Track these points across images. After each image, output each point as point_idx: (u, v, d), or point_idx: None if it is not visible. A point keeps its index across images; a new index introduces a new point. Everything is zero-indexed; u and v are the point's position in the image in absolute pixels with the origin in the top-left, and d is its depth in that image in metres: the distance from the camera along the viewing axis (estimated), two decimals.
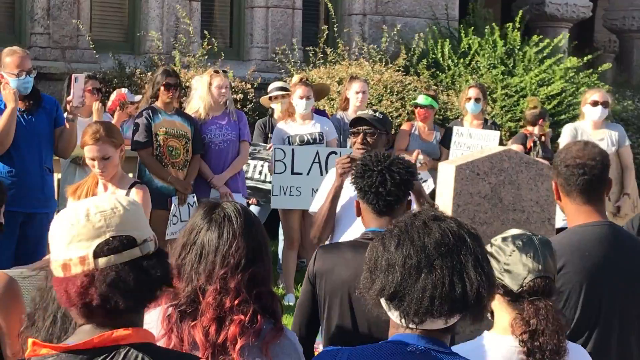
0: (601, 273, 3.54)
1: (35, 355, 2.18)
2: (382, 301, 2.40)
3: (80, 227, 2.18)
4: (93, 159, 5.47)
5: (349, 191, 4.97)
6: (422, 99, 9.48)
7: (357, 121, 5.35)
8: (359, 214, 3.98)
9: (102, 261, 2.16)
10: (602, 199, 3.74)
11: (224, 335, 2.78)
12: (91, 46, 10.68)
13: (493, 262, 3.05)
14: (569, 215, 3.73)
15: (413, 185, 3.99)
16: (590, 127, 8.86)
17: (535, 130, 9.38)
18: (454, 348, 3.09)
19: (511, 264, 3.03)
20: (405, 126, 9.63)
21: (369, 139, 5.23)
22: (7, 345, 3.39)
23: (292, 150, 8.30)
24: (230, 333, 2.77)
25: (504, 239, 3.09)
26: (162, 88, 7.82)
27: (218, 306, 2.79)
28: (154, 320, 2.86)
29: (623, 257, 3.62)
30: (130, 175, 7.85)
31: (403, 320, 2.38)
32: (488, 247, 3.09)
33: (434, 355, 2.38)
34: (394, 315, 2.41)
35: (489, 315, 3.15)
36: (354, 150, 5.25)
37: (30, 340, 2.21)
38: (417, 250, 2.37)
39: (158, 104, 7.89)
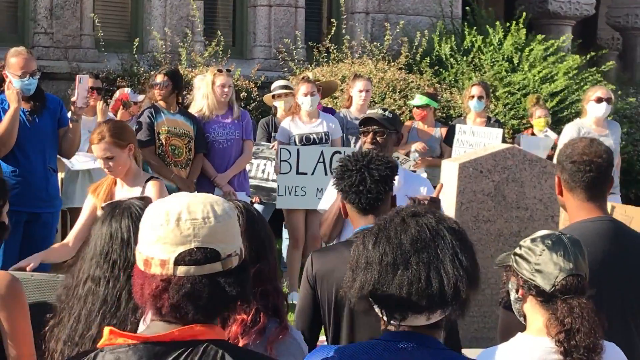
0: (603, 268, 3.53)
1: (111, 344, 2.17)
2: (368, 298, 2.42)
3: (169, 230, 2.17)
4: (99, 157, 5.51)
5: None
6: (417, 100, 9.48)
7: (367, 121, 5.32)
8: (346, 215, 4.01)
9: (181, 270, 2.15)
10: (604, 196, 3.74)
11: (227, 334, 2.77)
12: (102, 44, 10.69)
13: (523, 264, 3.04)
14: (570, 211, 3.73)
15: (393, 182, 3.98)
16: (593, 124, 8.85)
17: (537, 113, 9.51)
18: (486, 351, 3.10)
19: (542, 263, 3.01)
20: (404, 126, 9.64)
21: (378, 139, 5.21)
22: (10, 347, 3.39)
23: (298, 150, 8.33)
24: (232, 333, 2.77)
25: (533, 240, 3.07)
26: (152, 87, 7.87)
27: None
28: None
29: (624, 253, 3.62)
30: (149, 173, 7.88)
31: (385, 317, 2.39)
32: (517, 249, 3.08)
33: (424, 351, 2.38)
34: (377, 312, 2.43)
35: (521, 318, 3.15)
36: (363, 149, 5.21)
37: (107, 329, 2.21)
38: (393, 248, 2.39)
39: (161, 103, 7.91)
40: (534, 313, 3.05)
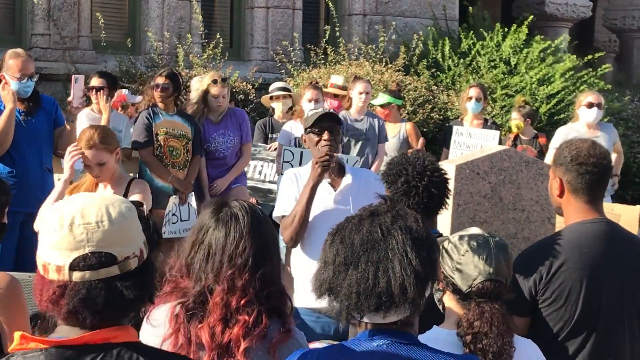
0: (601, 269, 3.55)
1: (23, 349, 2.16)
2: (326, 298, 2.45)
3: (62, 235, 2.15)
4: (89, 166, 5.51)
5: (322, 196, 4.89)
6: (379, 99, 9.44)
7: (322, 119, 5.02)
8: None
9: (76, 275, 2.13)
10: (602, 197, 3.75)
11: (229, 336, 2.77)
12: (104, 45, 10.69)
13: (447, 259, 3.11)
14: (568, 212, 3.72)
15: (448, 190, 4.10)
16: (585, 128, 8.87)
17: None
18: None
19: (463, 263, 3.07)
20: None
21: (335, 136, 5.01)
22: (9, 346, 3.40)
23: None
24: (234, 335, 2.76)
25: (461, 237, 3.13)
26: (153, 88, 7.85)
27: (225, 306, 2.78)
28: (162, 317, 2.86)
29: (621, 254, 3.63)
30: (131, 174, 7.88)
31: (344, 315, 2.41)
32: (445, 244, 3.14)
33: (400, 348, 2.39)
34: (332, 314, 2.46)
35: (440, 307, 3.20)
36: (321, 148, 4.92)
37: (18, 333, 2.19)
38: (345, 247, 2.41)
39: (160, 104, 7.91)
40: (451, 307, 3.12)
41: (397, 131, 9.40)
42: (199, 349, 2.78)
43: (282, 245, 8.38)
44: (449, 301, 3.12)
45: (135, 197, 5.39)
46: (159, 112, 7.85)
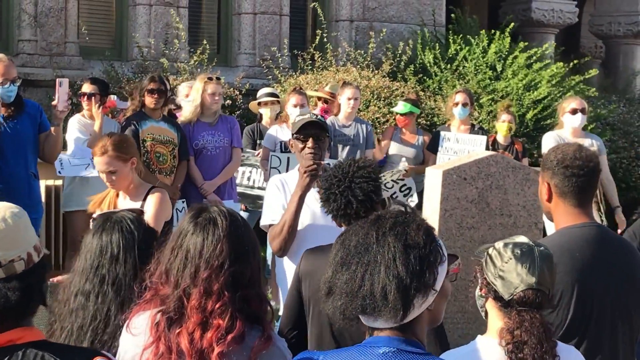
0: (592, 273, 3.56)
1: None
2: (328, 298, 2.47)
3: None
4: (102, 172, 5.49)
5: (310, 204, 4.79)
6: (401, 107, 9.52)
7: (307, 125, 4.92)
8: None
9: None
10: (591, 201, 3.75)
11: (204, 342, 2.76)
12: (87, 50, 10.67)
13: (490, 266, 3.08)
14: (557, 217, 3.73)
15: (380, 190, 3.98)
16: (570, 135, 8.87)
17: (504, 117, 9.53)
18: (449, 353, 3.13)
19: (506, 271, 3.05)
20: (388, 131, 9.69)
21: (320, 144, 4.91)
22: None
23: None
24: (207, 339, 2.73)
25: (506, 245, 3.11)
26: (146, 93, 7.83)
27: (202, 310, 2.76)
28: (142, 325, 2.84)
29: (612, 257, 3.64)
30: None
31: (341, 317, 2.43)
32: (490, 250, 3.12)
33: (406, 355, 2.39)
34: (330, 312, 2.47)
35: (483, 314, 3.20)
36: (305, 156, 4.84)
37: None
38: (343, 249, 2.46)
39: (145, 110, 7.90)
40: (494, 315, 3.11)
41: (414, 140, 9.48)
42: (179, 357, 2.77)
43: (270, 251, 8.37)
44: (491, 308, 3.11)
45: (148, 205, 5.39)
46: (146, 118, 7.85)
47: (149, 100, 7.83)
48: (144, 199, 5.47)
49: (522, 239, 3.15)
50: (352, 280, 2.39)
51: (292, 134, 4.98)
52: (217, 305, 2.74)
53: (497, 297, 3.07)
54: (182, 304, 2.79)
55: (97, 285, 3.27)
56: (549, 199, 3.72)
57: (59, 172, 7.79)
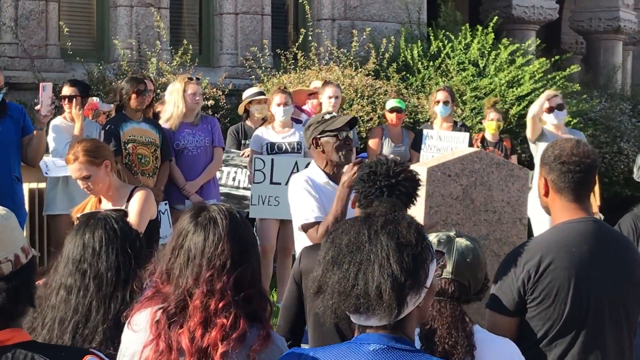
0: (588, 268, 3.57)
1: None
2: (318, 295, 2.47)
3: None
4: (76, 178, 5.45)
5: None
6: (397, 102, 9.56)
7: (352, 122, 5.11)
8: (353, 206, 4.00)
9: None
10: (589, 196, 3.76)
11: (208, 339, 2.77)
12: (70, 53, 10.62)
13: None
14: (555, 211, 3.73)
15: (417, 197, 3.98)
16: (554, 131, 8.88)
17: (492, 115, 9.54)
18: None
19: None
20: (376, 130, 9.71)
21: (350, 145, 5.11)
22: None
23: (272, 160, 8.34)
24: (212, 338, 2.75)
25: (429, 236, 3.14)
26: (133, 95, 7.79)
27: (204, 309, 2.77)
28: (143, 322, 2.86)
29: (609, 252, 3.65)
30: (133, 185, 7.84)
31: (330, 315, 2.43)
32: None
33: (396, 353, 2.40)
34: (320, 310, 2.47)
35: None
36: (340, 156, 5.02)
37: None
38: (334, 247, 2.45)
39: (126, 112, 7.88)
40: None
41: (402, 139, 9.53)
42: (180, 355, 2.78)
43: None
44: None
45: (132, 205, 5.36)
46: (127, 119, 7.83)
47: (137, 102, 7.80)
48: (128, 200, 5.44)
49: (444, 232, 3.18)
50: (345, 280, 2.39)
51: (322, 131, 5.02)
52: (220, 305, 2.76)
53: None
54: (184, 303, 2.81)
55: (79, 279, 3.29)
56: (546, 194, 3.74)
57: (46, 173, 7.76)
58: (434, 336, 3.01)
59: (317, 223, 4.89)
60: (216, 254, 2.80)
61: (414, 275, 2.40)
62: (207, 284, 2.78)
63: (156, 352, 2.78)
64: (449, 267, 3.06)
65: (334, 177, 5.07)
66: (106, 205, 5.43)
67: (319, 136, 5.04)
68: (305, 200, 4.97)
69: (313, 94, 9.43)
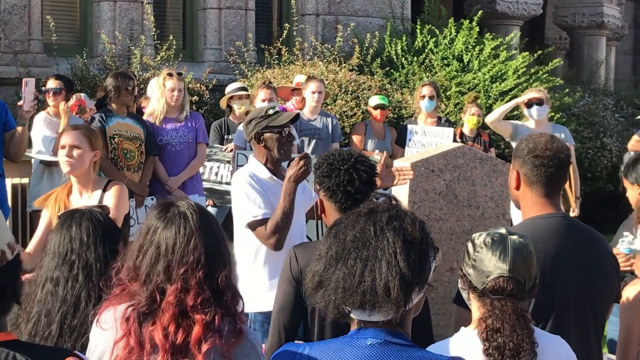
0: (554, 264, 3.57)
1: None
2: (317, 291, 2.46)
3: None
4: (64, 147, 5.31)
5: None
6: (380, 98, 9.57)
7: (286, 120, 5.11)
8: (322, 212, 4.01)
9: None
10: (559, 192, 3.76)
11: (183, 335, 2.75)
12: (55, 47, 10.58)
13: (465, 256, 3.09)
14: (525, 206, 3.74)
15: (376, 182, 4.02)
16: (534, 127, 8.89)
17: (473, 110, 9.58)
18: (435, 346, 3.13)
19: (477, 260, 3.05)
20: (359, 126, 9.71)
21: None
22: None
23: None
24: (194, 334, 2.72)
25: (481, 234, 3.11)
26: (124, 91, 7.76)
27: (179, 305, 2.74)
28: (111, 320, 2.84)
29: (577, 248, 3.65)
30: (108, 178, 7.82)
31: (332, 310, 2.42)
32: (469, 241, 3.14)
33: (393, 348, 2.40)
34: (321, 305, 2.46)
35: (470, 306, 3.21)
36: (281, 153, 5.05)
37: None
38: (338, 242, 2.43)
39: (111, 107, 7.85)
40: (474, 306, 3.11)
41: (384, 135, 9.55)
42: (153, 352, 2.76)
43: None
44: (472, 299, 3.10)
45: (108, 198, 5.30)
46: (112, 114, 7.80)
47: (128, 99, 7.80)
48: (103, 193, 5.38)
49: (496, 229, 3.15)
50: (351, 276, 2.38)
51: (266, 126, 5.02)
52: (199, 300, 2.74)
53: (472, 287, 3.08)
54: (153, 299, 2.78)
55: (67, 271, 3.27)
56: (517, 187, 3.74)
57: (36, 156, 7.76)
58: (497, 335, 2.97)
59: (265, 220, 4.85)
60: (189, 249, 2.77)
61: (420, 272, 2.41)
62: (181, 280, 2.76)
63: (126, 350, 2.75)
64: (506, 265, 3.02)
65: (274, 172, 5.08)
66: (75, 196, 5.34)
67: (261, 131, 5.03)
68: (251, 196, 4.94)
69: (296, 90, 9.42)
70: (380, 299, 2.36)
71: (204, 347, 2.71)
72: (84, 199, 5.30)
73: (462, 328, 3.14)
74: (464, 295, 3.17)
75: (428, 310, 3.90)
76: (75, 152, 5.26)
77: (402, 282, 2.36)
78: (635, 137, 10.10)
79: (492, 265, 3.03)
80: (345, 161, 3.93)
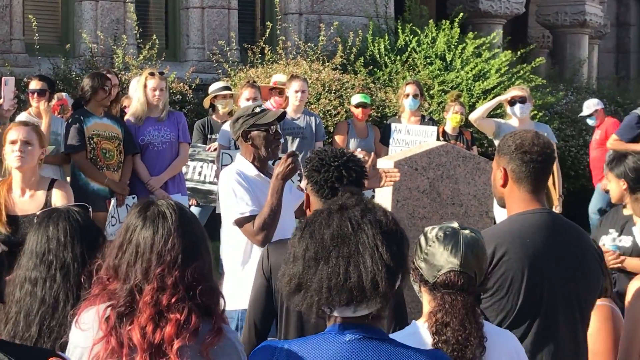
0: (542, 260, 3.58)
1: None
2: (297, 292, 2.44)
3: None
4: (14, 142, 5.28)
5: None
6: (362, 97, 9.58)
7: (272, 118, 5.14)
8: (307, 206, 4.01)
9: None
10: (544, 188, 3.78)
11: (161, 335, 2.74)
12: (37, 47, 10.52)
13: (417, 250, 3.11)
14: (511, 202, 3.75)
15: (364, 184, 4.03)
16: (518, 125, 8.91)
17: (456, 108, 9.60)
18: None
19: (429, 254, 3.07)
20: (342, 125, 9.71)
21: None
22: None
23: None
24: (167, 333, 2.71)
25: (434, 228, 3.13)
26: (101, 92, 7.75)
27: (155, 304, 2.73)
28: (91, 320, 2.82)
29: (563, 244, 3.67)
30: (69, 178, 7.78)
31: (314, 310, 2.41)
32: (421, 235, 3.15)
33: (371, 343, 2.41)
34: (301, 309, 2.45)
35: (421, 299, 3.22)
36: (268, 151, 5.08)
37: None
38: (315, 242, 2.42)
39: (88, 107, 7.83)
40: (426, 299, 3.12)
41: (366, 134, 9.55)
42: (132, 352, 2.75)
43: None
44: (423, 293, 3.11)
45: (58, 199, 5.28)
46: (90, 114, 7.79)
47: (105, 99, 7.78)
48: (48, 191, 5.34)
49: (448, 223, 3.17)
50: (336, 274, 2.37)
51: (253, 124, 5.03)
52: (173, 300, 2.73)
53: (424, 281, 3.09)
54: (132, 298, 2.77)
55: (44, 271, 3.25)
56: (505, 184, 3.74)
57: None
58: (446, 330, 2.98)
59: (253, 217, 4.87)
60: (166, 249, 2.77)
61: (402, 261, 2.43)
62: (158, 279, 2.75)
63: (107, 350, 2.74)
64: (457, 260, 3.03)
65: (262, 170, 5.09)
66: (17, 193, 5.31)
67: (248, 129, 5.04)
68: (239, 194, 4.95)
69: (274, 89, 9.39)
70: (368, 293, 2.37)
71: (175, 345, 2.70)
72: (26, 196, 5.29)
73: (414, 321, 3.16)
74: (415, 287, 3.18)
75: (402, 296, 3.91)
76: (27, 148, 5.26)
77: (389, 274, 2.38)
78: (614, 137, 10.17)
79: (444, 259, 3.05)
80: (337, 158, 3.93)
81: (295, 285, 2.43)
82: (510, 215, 3.74)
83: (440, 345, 2.97)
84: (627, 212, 5.65)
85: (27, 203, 5.29)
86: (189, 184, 8.69)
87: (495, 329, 3.20)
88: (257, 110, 5.11)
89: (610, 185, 5.64)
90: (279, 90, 9.31)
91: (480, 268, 3.10)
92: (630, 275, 5.40)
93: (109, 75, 8.13)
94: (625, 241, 5.55)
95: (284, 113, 5.33)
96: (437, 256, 3.05)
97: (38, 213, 3.58)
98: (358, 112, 9.55)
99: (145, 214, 2.83)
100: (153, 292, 2.74)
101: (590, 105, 11.40)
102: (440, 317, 2.99)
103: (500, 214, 8.24)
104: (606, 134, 11.01)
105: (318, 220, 2.46)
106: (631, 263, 5.46)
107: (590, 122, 11.44)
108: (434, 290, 3.06)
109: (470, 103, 11.32)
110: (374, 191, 8.06)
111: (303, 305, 2.44)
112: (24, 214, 5.25)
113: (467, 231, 3.11)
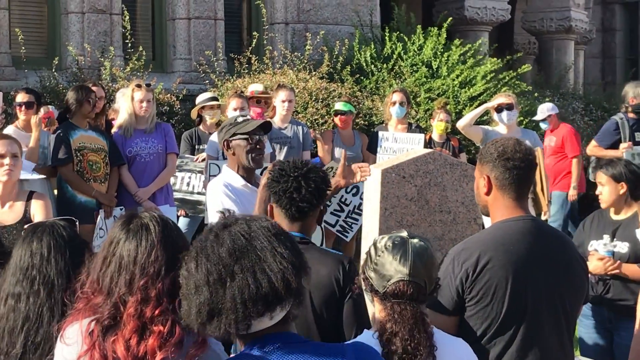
0: (526, 267, 3.59)
1: None
2: (210, 321, 2.40)
3: None
4: (3, 156, 5.38)
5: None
6: (341, 105, 9.59)
7: (262, 127, 5.19)
8: (271, 217, 4.01)
9: None
10: (527, 194, 3.80)
11: (145, 347, 2.74)
12: (24, 60, 10.50)
13: (367, 260, 3.12)
14: (494, 210, 3.76)
15: (326, 194, 4.00)
16: (505, 132, 8.94)
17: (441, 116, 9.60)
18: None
19: (379, 264, 3.08)
20: (327, 134, 9.72)
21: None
22: None
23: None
24: (150, 346, 2.71)
25: (383, 238, 3.15)
26: (86, 104, 7.77)
27: (139, 317, 2.74)
28: (75, 336, 2.82)
29: (546, 250, 3.68)
30: (55, 192, 7.78)
31: (232, 332, 2.38)
32: (371, 244, 3.15)
33: (292, 347, 2.40)
34: (219, 334, 2.40)
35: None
36: (249, 160, 5.09)
37: None
38: (215, 264, 2.39)
39: (73, 120, 7.84)
40: (376, 309, 3.13)
41: (353, 142, 9.56)
42: None
43: None
44: (375, 302, 3.13)
45: (38, 212, 5.31)
46: (75, 127, 7.80)
47: (90, 112, 7.81)
48: (27, 203, 5.41)
49: (397, 233, 3.18)
50: (246, 286, 2.35)
51: (234, 134, 5.03)
52: (156, 312, 2.73)
53: (374, 291, 3.10)
54: (116, 311, 2.77)
55: (28, 286, 3.23)
56: (488, 192, 3.75)
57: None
58: (395, 339, 2.99)
59: None
60: (149, 261, 2.77)
61: (301, 257, 2.44)
62: (141, 291, 2.75)
63: None
64: (406, 269, 3.05)
65: (248, 180, 5.09)
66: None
67: (229, 138, 5.05)
68: (227, 205, 4.96)
69: (252, 99, 9.37)
70: (282, 293, 2.36)
71: (159, 357, 2.70)
72: (5, 208, 5.32)
73: (365, 330, 3.17)
74: (367, 297, 3.19)
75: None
76: (17, 161, 5.34)
77: (295, 268, 2.38)
78: (593, 143, 10.21)
79: (393, 269, 3.06)
80: (297, 169, 3.90)
81: (207, 313, 2.38)
82: (495, 222, 3.76)
83: (390, 355, 2.98)
84: (616, 217, 5.64)
85: (7, 214, 5.35)
86: (177, 195, 8.69)
87: (448, 337, 3.21)
88: (240, 120, 5.12)
89: (603, 189, 5.63)
90: (256, 100, 9.31)
91: (429, 276, 3.12)
92: (626, 281, 5.41)
93: (94, 88, 8.15)
94: (621, 247, 5.52)
95: (269, 123, 5.33)
96: (386, 266, 3.07)
97: (26, 226, 3.58)
98: (337, 120, 9.59)
99: (128, 226, 2.84)
100: (137, 304, 2.74)
101: (544, 110, 11.30)
102: (390, 327, 3.02)
103: (489, 221, 8.28)
104: (562, 142, 11.00)
105: (208, 244, 2.43)
106: (629, 269, 5.43)
107: (543, 126, 11.37)
108: (384, 300, 3.08)
109: (457, 110, 11.35)
110: (361, 198, 8.08)
111: (221, 330, 2.38)
112: (2, 225, 5.30)
113: (415, 240, 3.12)
